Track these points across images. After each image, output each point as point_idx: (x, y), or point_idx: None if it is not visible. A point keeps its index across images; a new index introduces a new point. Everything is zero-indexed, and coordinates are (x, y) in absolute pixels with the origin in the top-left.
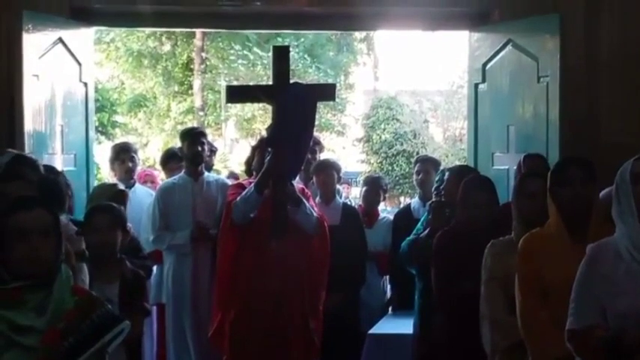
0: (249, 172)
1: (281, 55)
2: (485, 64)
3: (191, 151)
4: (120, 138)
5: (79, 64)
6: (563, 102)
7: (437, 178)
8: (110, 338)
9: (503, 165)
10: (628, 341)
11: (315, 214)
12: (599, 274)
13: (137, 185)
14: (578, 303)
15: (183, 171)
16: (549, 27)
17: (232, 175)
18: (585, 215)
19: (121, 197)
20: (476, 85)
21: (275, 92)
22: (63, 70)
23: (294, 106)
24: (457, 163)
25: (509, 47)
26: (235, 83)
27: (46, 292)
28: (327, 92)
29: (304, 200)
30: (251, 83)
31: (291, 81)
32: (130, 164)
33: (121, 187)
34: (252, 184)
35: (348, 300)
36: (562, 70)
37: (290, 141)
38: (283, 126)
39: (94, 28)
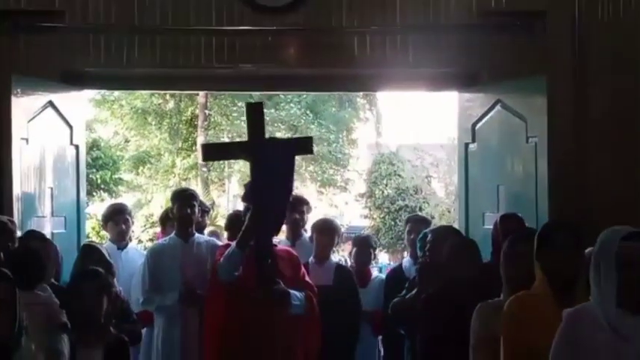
0: (231, 237)
1: (255, 111)
2: (474, 124)
3: (180, 213)
4: (124, 195)
5: (70, 127)
6: (552, 162)
7: (420, 237)
8: None
9: None
10: None
11: (302, 296)
12: (577, 341)
13: (129, 246)
14: None
15: (174, 232)
16: (536, 88)
17: (214, 234)
18: (572, 280)
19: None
20: (466, 145)
21: (251, 148)
22: (53, 133)
23: (271, 161)
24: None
25: (497, 107)
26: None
27: None
28: (304, 146)
29: (291, 292)
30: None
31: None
32: (124, 226)
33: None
34: (235, 242)
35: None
36: (550, 130)
37: (269, 196)
38: (261, 181)
39: (85, 91)
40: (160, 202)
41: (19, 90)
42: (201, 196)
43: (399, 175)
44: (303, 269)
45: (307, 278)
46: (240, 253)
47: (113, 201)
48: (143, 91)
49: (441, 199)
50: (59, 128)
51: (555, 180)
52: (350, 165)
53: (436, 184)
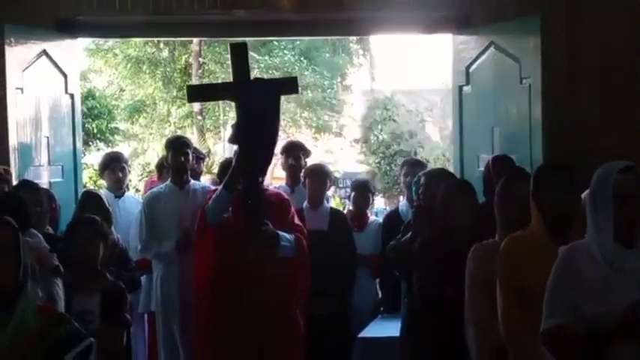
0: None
1: (239, 52)
2: (468, 67)
3: (174, 161)
4: (120, 144)
5: (65, 75)
6: (546, 103)
7: (414, 181)
8: (74, 356)
9: None
10: (608, 326)
11: (291, 238)
12: (572, 276)
13: (126, 195)
14: (551, 304)
15: (169, 180)
16: (530, 28)
17: (213, 182)
18: (567, 220)
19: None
20: (460, 88)
21: (236, 88)
22: (48, 82)
23: (256, 102)
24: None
25: (491, 49)
26: None
27: (8, 312)
28: (289, 86)
29: (280, 233)
30: None
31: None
32: (120, 174)
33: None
34: (222, 184)
35: (338, 303)
36: (544, 70)
37: (255, 137)
38: (247, 122)
39: (79, 40)
40: (156, 150)
41: (12, 39)
42: (197, 145)
43: (394, 120)
44: (293, 212)
45: (297, 221)
46: (228, 195)
47: (109, 150)
48: (137, 40)
49: (436, 144)
50: (54, 77)
51: (549, 120)
52: (345, 111)
53: (431, 128)
